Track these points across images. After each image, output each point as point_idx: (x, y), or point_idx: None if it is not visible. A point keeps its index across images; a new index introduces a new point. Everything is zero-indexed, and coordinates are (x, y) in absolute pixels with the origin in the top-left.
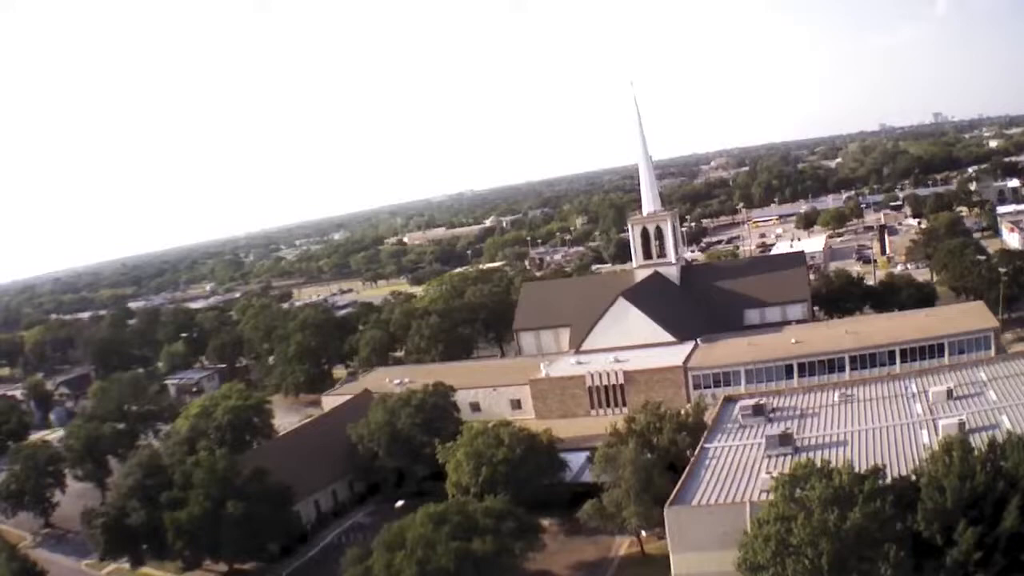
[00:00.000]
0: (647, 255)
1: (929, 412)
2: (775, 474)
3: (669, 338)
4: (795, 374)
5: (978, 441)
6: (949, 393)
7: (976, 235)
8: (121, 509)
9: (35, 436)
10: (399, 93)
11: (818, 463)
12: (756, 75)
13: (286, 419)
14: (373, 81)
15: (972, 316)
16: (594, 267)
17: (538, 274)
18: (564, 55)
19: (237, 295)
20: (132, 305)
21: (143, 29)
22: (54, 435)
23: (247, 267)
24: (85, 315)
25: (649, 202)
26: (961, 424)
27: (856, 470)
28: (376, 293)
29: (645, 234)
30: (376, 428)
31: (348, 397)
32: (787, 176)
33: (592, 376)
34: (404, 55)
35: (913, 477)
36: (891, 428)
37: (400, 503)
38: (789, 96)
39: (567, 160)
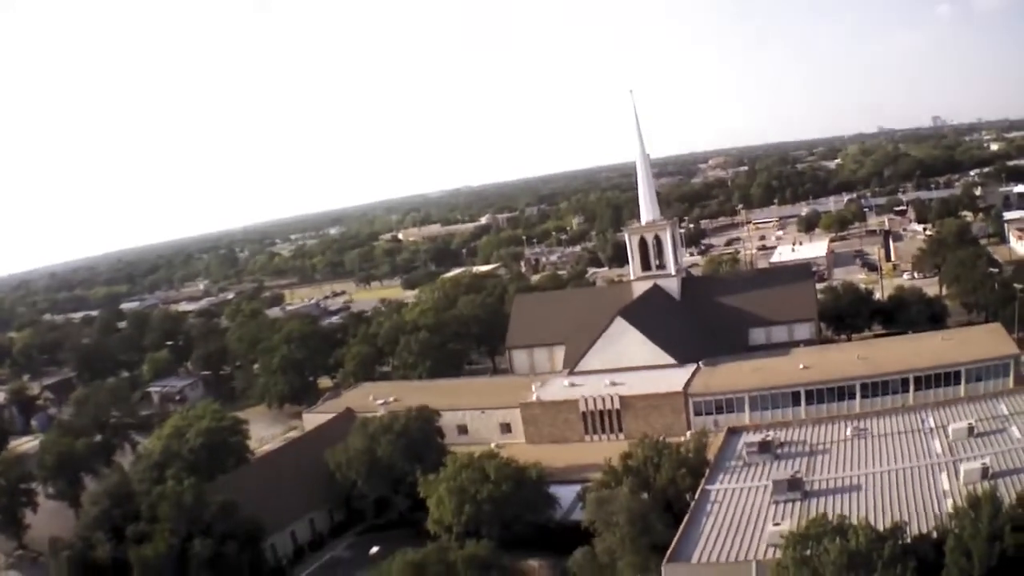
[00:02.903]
0: (645, 266)
1: (949, 452)
2: (784, 529)
3: (669, 360)
4: (803, 402)
5: (1003, 487)
6: (970, 430)
7: (982, 241)
8: (87, 540)
9: (15, 443)
10: (397, 87)
11: (831, 516)
12: (754, 74)
13: (269, 431)
14: (372, 76)
15: (990, 341)
16: (591, 271)
17: (533, 278)
18: (564, 51)
19: (230, 296)
20: (125, 306)
21: (143, 26)
22: (34, 442)
23: (241, 264)
24: (78, 315)
25: (647, 211)
26: (985, 469)
27: (872, 524)
28: (369, 296)
29: (643, 244)
30: (355, 455)
31: (330, 416)
32: (787, 177)
33: (586, 401)
34: (403, 50)
35: (935, 534)
36: (909, 470)
37: (374, 549)
38: (787, 96)
39: (565, 156)
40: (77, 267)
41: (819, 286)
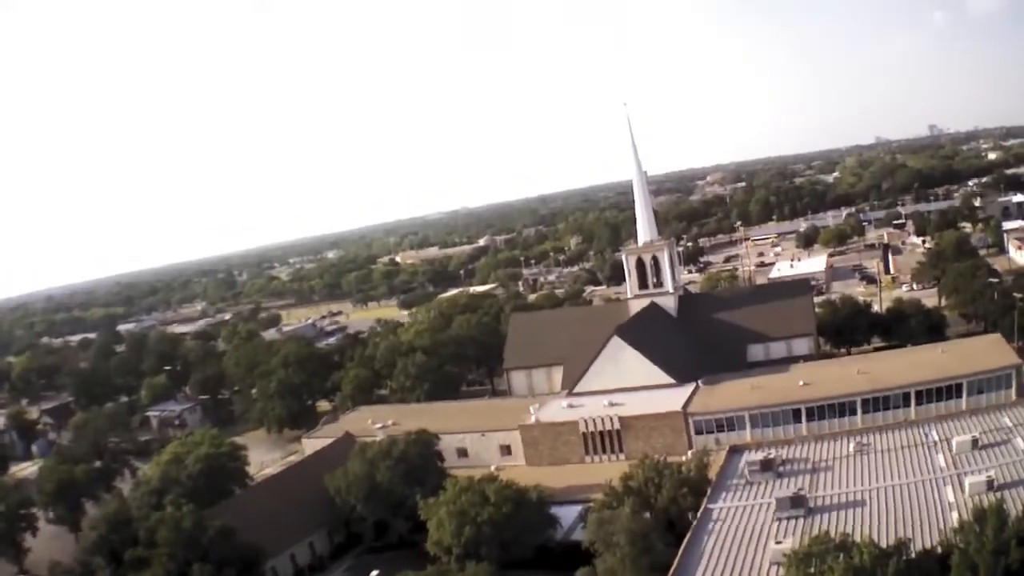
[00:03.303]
0: (643, 285)
1: (953, 465)
2: (787, 547)
3: (668, 380)
4: (803, 419)
5: (1009, 500)
6: (975, 443)
7: (981, 251)
8: (86, 565)
9: (16, 468)
10: (396, 107)
11: (834, 533)
12: (751, 87)
13: (268, 456)
14: (370, 98)
15: (991, 352)
16: (588, 289)
17: (531, 297)
18: (561, 71)
19: (227, 316)
20: (122, 327)
21: (141, 35)
22: (35, 468)
23: (239, 286)
24: (75, 338)
25: (644, 232)
26: (990, 481)
27: (876, 540)
28: (366, 316)
29: (641, 264)
30: (354, 480)
31: (329, 441)
32: (785, 192)
33: (586, 422)
34: (401, 70)
35: (939, 550)
36: (913, 485)
37: (375, 573)
38: (785, 109)
39: (563, 176)
40: (75, 290)
41: (817, 300)
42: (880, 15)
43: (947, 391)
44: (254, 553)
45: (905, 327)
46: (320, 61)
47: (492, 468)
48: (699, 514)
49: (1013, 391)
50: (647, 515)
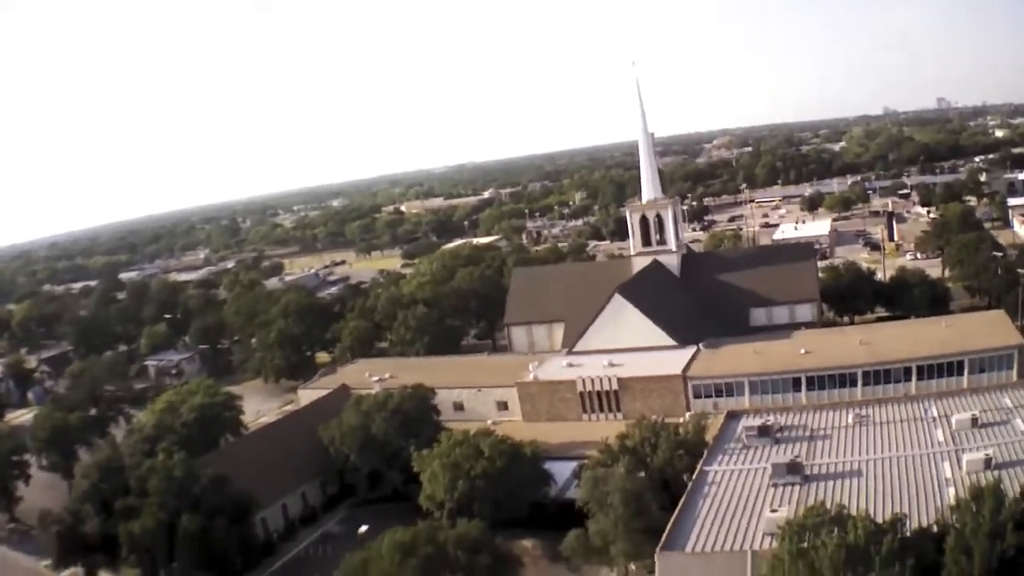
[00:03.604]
0: (646, 242)
1: (952, 441)
2: (781, 516)
3: (669, 341)
4: (803, 388)
5: (1006, 479)
6: (974, 421)
7: (986, 224)
8: (76, 515)
9: (12, 415)
10: (403, 64)
11: (830, 503)
12: (759, 53)
13: (265, 405)
14: (377, 53)
15: (993, 329)
16: (592, 244)
17: (535, 249)
18: (570, 29)
19: (230, 264)
20: (124, 275)
21: (146, 11)
22: (30, 415)
23: (243, 234)
24: (77, 286)
25: (649, 189)
26: (988, 460)
27: (872, 513)
28: (369, 266)
29: (644, 221)
30: (348, 431)
31: (325, 392)
32: (791, 158)
33: (584, 381)
34: (407, 27)
35: (935, 528)
36: (910, 458)
37: (363, 528)
38: (792, 76)
39: (569, 134)
40: (78, 237)
41: (820, 264)
42: None
43: (948, 368)
44: (246, 502)
45: (908, 297)
46: (329, 17)
47: (488, 423)
48: (695, 476)
49: (1015, 372)
50: (642, 474)
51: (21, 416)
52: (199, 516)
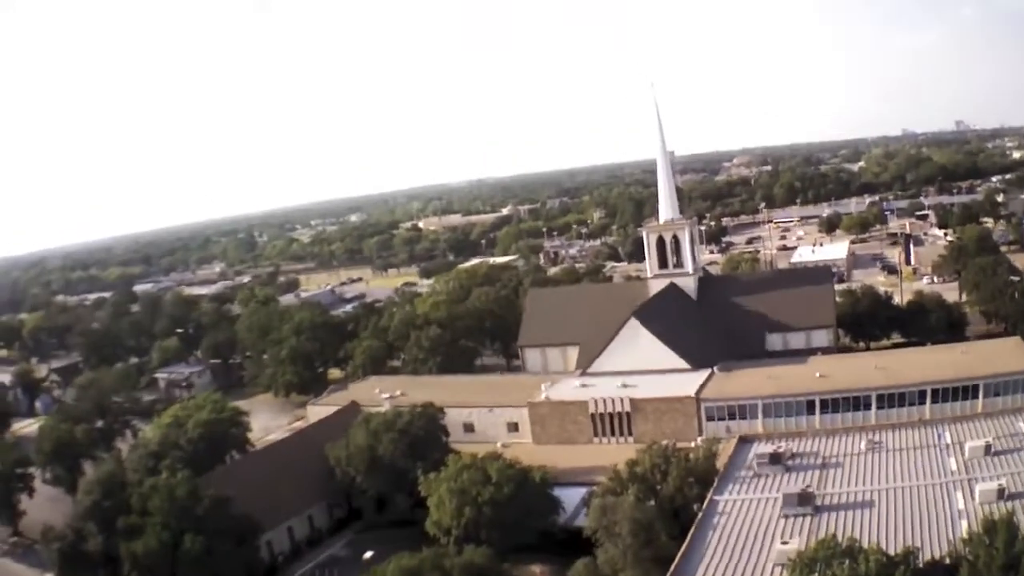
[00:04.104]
0: (663, 264)
1: (965, 470)
2: (792, 549)
3: (683, 364)
4: (817, 411)
5: (1019, 510)
6: (987, 448)
7: (1003, 247)
8: (79, 532)
9: (19, 425)
10: (422, 77)
11: (840, 535)
12: (780, 73)
13: (274, 421)
14: (398, 63)
15: (1010, 355)
16: (609, 265)
17: (552, 270)
18: (590, 46)
19: (246, 279)
20: (138, 287)
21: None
22: (36, 425)
23: (260, 248)
24: (91, 296)
25: (666, 209)
26: (1001, 490)
27: (884, 546)
28: (385, 284)
29: (661, 242)
30: (355, 451)
31: (334, 409)
32: (809, 178)
33: (596, 402)
34: (431, 38)
35: (947, 560)
36: (923, 488)
37: (368, 554)
38: (812, 97)
39: (589, 151)
40: (94, 248)
41: (838, 287)
42: (909, 7)
43: (963, 391)
44: (250, 526)
45: (924, 323)
46: (344, 28)
47: (498, 444)
48: (704, 506)
49: None
50: (651, 503)
51: (28, 426)
52: (202, 537)
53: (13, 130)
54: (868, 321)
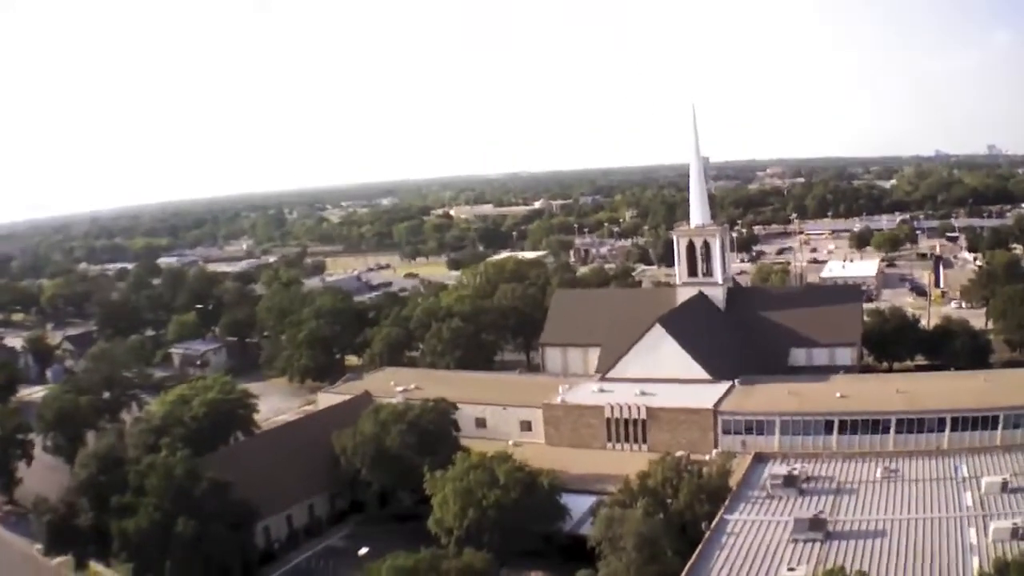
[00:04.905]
0: (692, 271)
1: (980, 506)
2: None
3: (704, 375)
4: (835, 432)
5: None
6: (1004, 485)
7: None
8: (71, 506)
9: (26, 391)
10: (459, 68)
11: (849, 568)
12: (817, 88)
13: (285, 403)
14: (435, 53)
15: None
16: (639, 268)
17: (581, 270)
18: (628, 48)
19: (272, 259)
20: (163, 260)
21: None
22: (43, 392)
23: (288, 225)
24: (114, 266)
25: (698, 214)
26: (1015, 529)
27: None
28: (413, 272)
29: (691, 248)
30: (362, 441)
31: (345, 398)
32: (842, 192)
33: (612, 408)
34: (478, 30)
35: None
36: (936, 520)
37: (364, 550)
38: (848, 112)
39: (625, 152)
40: (121, 214)
41: (866, 307)
42: (946, 33)
43: (983, 421)
44: (247, 511)
45: (949, 347)
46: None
47: (510, 443)
48: (714, 524)
49: None
50: (660, 517)
51: (36, 393)
52: (195, 521)
53: (62, 95)
54: (893, 342)
